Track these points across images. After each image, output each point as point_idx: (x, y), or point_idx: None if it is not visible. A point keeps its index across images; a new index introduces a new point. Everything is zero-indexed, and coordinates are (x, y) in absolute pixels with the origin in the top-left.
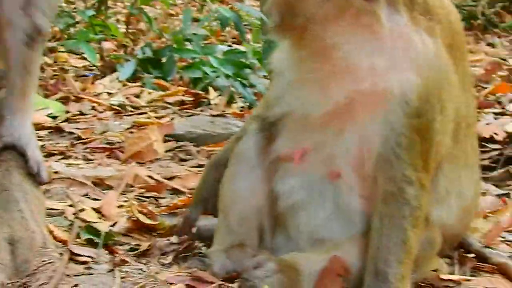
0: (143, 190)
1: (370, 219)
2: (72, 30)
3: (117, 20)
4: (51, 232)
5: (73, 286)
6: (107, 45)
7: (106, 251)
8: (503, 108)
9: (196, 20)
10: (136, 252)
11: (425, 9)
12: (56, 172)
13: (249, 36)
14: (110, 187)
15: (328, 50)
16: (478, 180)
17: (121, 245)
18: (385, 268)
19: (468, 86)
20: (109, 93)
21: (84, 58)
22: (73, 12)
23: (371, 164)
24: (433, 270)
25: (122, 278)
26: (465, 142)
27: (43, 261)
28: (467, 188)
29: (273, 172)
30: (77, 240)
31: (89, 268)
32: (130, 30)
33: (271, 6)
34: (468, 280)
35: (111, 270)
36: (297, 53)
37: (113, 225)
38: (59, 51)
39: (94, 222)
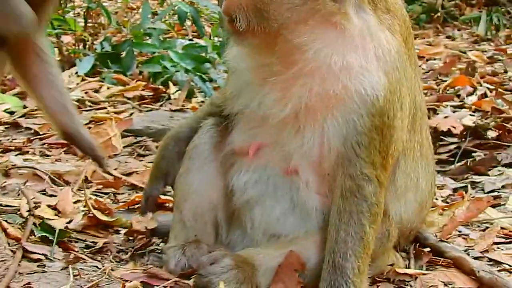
0: (100, 186)
1: (327, 215)
2: None
3: (78, 14)
4: (4, 229)
5: (26, 284)
6: (66, 39)
7: (61, 249)
8: (461, 101)
9: (156, 14)
10: (91, 249)
11: (386, 8)
12: (13, 166)
13: (209, 30)
14: (67, 183)
15: (296, 52)
16: (433, 172)
17: (76, 242)
18: (343, 262)
19: (418, 75)
20: (68, 88)
21: None
22: None
23: (330, 162)
24: (389, 265)
25: (75, 275)
26: (421, 132)
27: None
28: (423, 181)
29: (228, 167)
30: (31, 237)
31: (43, 265)
32: (89, 25)
33: (235, 11)
34: (424, 274)
35: (65, 268)
36: (258, 56)
37: (69, 222)
38: None
39: (50, 219)
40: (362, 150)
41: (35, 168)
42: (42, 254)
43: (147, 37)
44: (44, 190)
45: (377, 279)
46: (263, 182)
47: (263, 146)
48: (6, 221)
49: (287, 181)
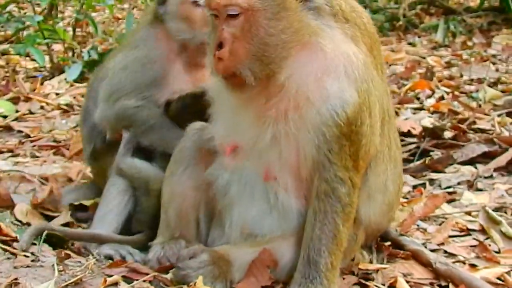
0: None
1: (304, 217)
2: (24, 33)
3: (68, 24)
4: None
5: (13, 280)
6: (56, 47)
7: (48, 245)
8: (421, 104)
9: None
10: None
11: (344, 17)
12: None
13: None
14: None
15: (280, 85)
16: (401, 173)
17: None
18: (317, 257)
19: (384, 78)
20: (57, 94)
21: (34, 60)
22: (23, 17)
23: (307, 168)
24: (352, 259)
25: (60, 271)
26: (389, 135)
27: None
28: (391, 183)
29: (208, 163)
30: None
31: (31, 262)
32: (78, 34)
33: (236, 67)
34: (385, 268)
35: (52, 264)
36: (248, 98)
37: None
38: (11, 54)
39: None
40: (334, 155)
41: (23, 172)
42: (31, 253)
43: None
44: (34, 189)
45: (343, 272)
46: (242, 184)
47: (240, 147)
48: None
49: (265, 186)
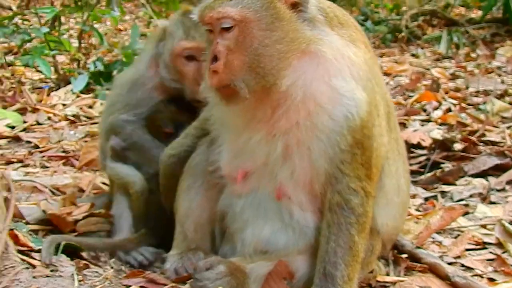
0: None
1: (318, 230)
2: (29, 45)
3: (71, 35)
4: (14, 237)
5: None
6: (61, 58)
7: (67, 256)
8: (427, 115)
9: (144, 35)
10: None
11: (339, 22)
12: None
13: None
14: (65, 194)
15: (283, 96)
16: (408, 169)
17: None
18: (333, 270)
19: (380, 72)
20: (63, 104)
21: (40, 71)
22: (28, 29)
23: (320, 182)
24: (370, 272)
25: (80, 281)
26: (395, 130)
27: (5, 266)
28: (403, 180)
29: (219, 189)
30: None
31: (50, 272)
32: (82, 45)
33: (231, 80)
34: (402, 281)
35: (71, 274)
36: (247, 111)
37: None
38: (16, 65)
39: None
40: (346, 166)
41: (35, 182)
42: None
43: (136, 57)
44: (46, 200)
45: (360, 284)
46: (254, 207)
47: (250, 172)
48: (14, 229)
49: (279, 205)
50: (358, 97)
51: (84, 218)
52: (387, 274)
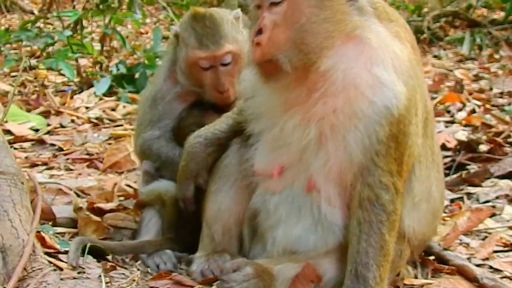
0: (122, 198)
1: (346, 228)
2: (50, 48)
3: (92, 39)
4: (41, 239)
5: None
6: (84, 62)
7: (93, 258)
8: (452, 117)
9: (165, 38)
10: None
11: (388, 18)
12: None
13: None
14: (89, 196)
15: (323, 77)
16: (443, 178)
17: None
18: (365, 272)
19: (423, 75)
20: (86, 107)
21: (62, 74)
22: (51, 32)
23: (351, 174)
24: (397, 275)
25: (107, 283)
26: (432, 137)
27: (32, 268)
28: (435, 188)
29: (252, 187)
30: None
31: (77, 274)
32: (104, 48)
33: (275, 54)
34: (430, 283)
35: (98, 275)
36: (285, 90)
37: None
38: (39, 68)
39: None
40: (380, 158)
41: (60, 184)
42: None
43: (159, 60)
44: (71, 202)
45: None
46: (288, 203)
47: (285, 167)
48: (41, 231)
49: (309, 198)
50: (399, 89)
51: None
52: (415, 277)
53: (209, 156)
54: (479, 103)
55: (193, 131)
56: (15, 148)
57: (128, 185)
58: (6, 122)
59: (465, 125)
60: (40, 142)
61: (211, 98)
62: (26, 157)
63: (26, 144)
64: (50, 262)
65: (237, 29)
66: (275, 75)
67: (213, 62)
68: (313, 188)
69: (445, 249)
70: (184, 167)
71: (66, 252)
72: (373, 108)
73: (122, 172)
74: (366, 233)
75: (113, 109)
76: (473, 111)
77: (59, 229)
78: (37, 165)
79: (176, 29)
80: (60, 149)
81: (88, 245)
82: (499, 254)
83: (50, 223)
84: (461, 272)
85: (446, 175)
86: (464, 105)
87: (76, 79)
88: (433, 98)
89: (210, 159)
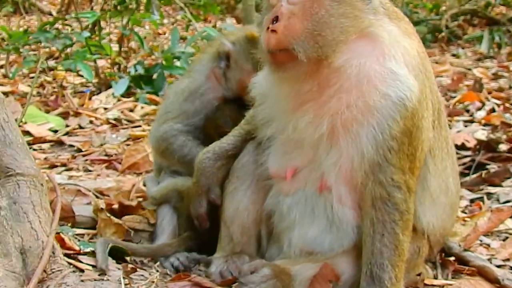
0: (140, 199)
1: (360, 228)
2: (69, 50)
3: (110, 40)
4: (60, 240)
5: None
6: (102, 63)
7: (112, 259)
8: (471, 116)
9: (182, 38)
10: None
11: (398, 17)
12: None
13: None
14: (108, 197)
15: (336, 73)
16: (457, 169)
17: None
18: (380, 272)
19: (431, 68)
20: (105, 108)
21: (81, 75)
22: (70, 34)
23: (362, 172)
24: (418, 274)
25: (126, 284)
26: (445, 128)
27: (52, 269)
28: (452, 180)
29: (266, 189)
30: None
31: (98, 275)
32: (122, 49)
33: (291, 42)
34: (450, 284)
35: (118, 278)
36: (296, 83)
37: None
38: (58, 70)
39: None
40: (393, 155)
41: (79, 186)
42: (92, 266)
43: (177, 60)
44: (90, 203)
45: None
46: (302, 204)
47: (299, 169)
48: (61, 233)
49: (322, 199)
50: (411, 82)
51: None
52: (435, 278)
53: (218, 170)
54: (498, 102)
55: (226, 124)
56: (34, 149)
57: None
58: (25, 123)
59: (485, 124)
60: (59, 143)
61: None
62: (45, 158)
63: (45, 145)
64: (70, 264)
65: None
66: (287, 65)
67: None
68: (325, 188)
69: (465, 250)
70: (196, 183)
71: (86, 253)
72: (387, 101)
73: (141, 173)
74: (380, 233)
75: (131, 110)
76: (493, 110)
77: (78, 231)
78: (56, 166)
79: (229, 47)
80: (79, 150)
81: (109, 246)
82: None
83: (69, 224)
84: (482, 273)
85: (466, 175)
86: (483, 104)
87: (95, 80)
88: (452, 97)
89: (220, 173)
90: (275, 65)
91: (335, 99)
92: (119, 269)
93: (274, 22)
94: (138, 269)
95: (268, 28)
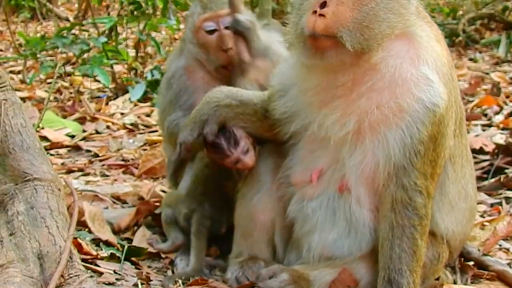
0: (158, 204)
1: (377, 232)
2: (86, 55)
3: (127, 45)
4: (78, 245)
5: None
6: (119, 68)
7: (133, 266)
8: (489, 120)
9: None
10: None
11: (429, 21)
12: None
13: None
14: (125, 202)
15: (371, 70)
16: (474, 176)
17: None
18: (399, 278)
19: (456, 77)
20: (122, 113)
21: (98, 81)
22: (87, 39)
23: (385, 173)
24: (436, 279)
25: None
26: (465, 136)
27: (69, 274)
28: (471, 186)
29: (287, 196)
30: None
31: (115, 280)
32: (139, 54)
33: (340, 30)
34: None
35: (135, 282)
36: (328, 76)
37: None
38: (75, 75)
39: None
40: (418, 159)
41: (95, 192)
42: (113, 271)
43: None
44: (107, 208)
45: None
46: (324, 207)
47: (324, 170)
48: (78, 238)
49: (342, 200)
50: (442, 90)
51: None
52: (454, 282)
53: (224, 107)
54: None
55: None
56: (51, 155)
57: (163, 191)
58: (43, 128)
59: (503, 128)
60: (76, 148)
61: (217, 60)
62: (62, 163)
63: (62, 150)
64: (87, 269)
65: (244, 7)
66: (329, 52)
67: (217, 24)
68: (345, 189)
69: (484, 254)
70: (197, 110)
71: (103, 258)
72: (419, 105)
73: (158, 178)
74: (399, 238)
75: (148, 115)
76: (511, 114)
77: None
78: (73, 171)
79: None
80: (96, 155)
81: (125, 248)
82: None
83: (87, 229)
84: (501, 277)
85: (484, 179)
86: (501, 108)
87: (111, 85)
88: (469, 102)
89: (224, 111)
90: (315, 50)
91: (365, 98)
92: (135, 274)
93: (322, 6)
94: (154, 274)
95: (315, 11)
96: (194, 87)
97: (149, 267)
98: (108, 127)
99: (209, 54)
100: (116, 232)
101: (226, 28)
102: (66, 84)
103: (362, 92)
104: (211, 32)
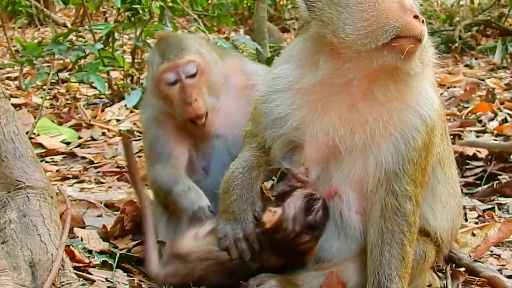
0: None
1: (365, 235)
2: (82, 61)
3: (123, 52)
4: (70, 253)
5: None
6: (115, 74)
7: (125, 274)
8: (483, 126)
9: None
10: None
11: None
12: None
13: None
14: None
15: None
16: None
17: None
18: (388, 283)
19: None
20: (117, 120)
21: (94, 87)
22: (83, 45)
23: (375, 179)
24: (427, 286)
25: None
26: (448, 137)
27: (61, 283)
28: (457, 184)
29: None
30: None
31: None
32: (135, 61)
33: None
34: None
35: None
36: (335, 75)
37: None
38: (71, 82)
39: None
40: (411, 166)
41: (88, 201)
42: (105, 279)
43: None
44: (101, 215)
45: None
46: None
47: (314, 175)
48: (70, 245)
49: (332, 204)
50: (436, 101)
51: None
52: (445, 287)
53: (256, 180)
54: (511, 112)
55: None
56: (46, 161)
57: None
58: (38, 135)
59: (497, 135)
60: (71, 155)
61: (182, 113)
62: (57, 170)
63: (57, 157)
64: (79, 276)
65: (202, 45)
66: (413, 57)
67: (177, 74)
68: (335, 194)
69: (475, 260)
70: (234, 201)
71: (96, 266)
72: (414, 116)
73: None
74: (389, 244)
75: None
76: (505, 121)
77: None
78: (68, 178)
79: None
80: (91, 162)
81: (117, 256)
82: None
83: (80, 236)
84: (492, 283)
85: (477, 185)
86: (496, 115)
87: (108, 92)
88: (464, 108)
89: (257, 185)
90: (406, 54)
91: (368, 111)
92: (128, 282)
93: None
94: (147, 282)
95: (417, 16)
96: (165, 138)
97: (141, 273)
98: (103, 134)
99: (174, 107)
100: (105, 238)
101: (189, 77)
102: (62, 91)
103: (368, 107)
104: (172, 83)
